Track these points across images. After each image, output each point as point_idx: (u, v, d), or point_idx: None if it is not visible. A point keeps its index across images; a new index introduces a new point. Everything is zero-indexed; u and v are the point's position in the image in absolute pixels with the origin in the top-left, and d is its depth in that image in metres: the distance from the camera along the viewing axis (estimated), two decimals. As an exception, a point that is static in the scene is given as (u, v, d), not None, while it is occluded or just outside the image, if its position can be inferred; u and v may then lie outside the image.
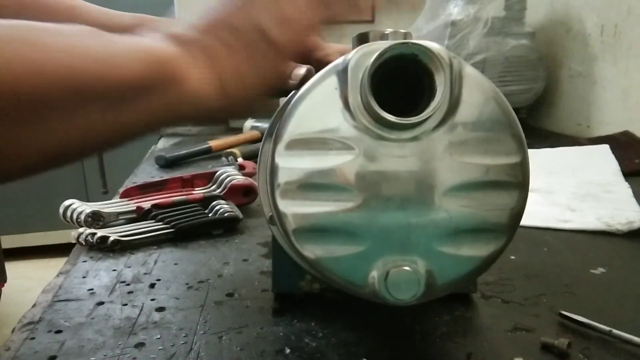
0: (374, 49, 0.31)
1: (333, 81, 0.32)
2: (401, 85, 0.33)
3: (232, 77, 0.33)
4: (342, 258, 0.32)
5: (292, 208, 0.31)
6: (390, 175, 0.31)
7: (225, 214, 0.67)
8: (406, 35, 0.34)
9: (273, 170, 0.32)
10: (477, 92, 0.32)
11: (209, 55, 0.32)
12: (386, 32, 0.35)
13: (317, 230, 0.31)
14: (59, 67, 0.26)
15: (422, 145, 0.31)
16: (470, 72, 0.32)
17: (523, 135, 0.33)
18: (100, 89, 0.28)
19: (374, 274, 0.31)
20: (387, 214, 0.31)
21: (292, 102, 0.33)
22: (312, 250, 0.32)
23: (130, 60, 0.29)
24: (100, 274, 0.54)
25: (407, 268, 0.31)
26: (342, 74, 0.32)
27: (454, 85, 0.31)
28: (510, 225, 0.32)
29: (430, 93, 0.31)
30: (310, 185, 0.31)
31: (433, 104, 0.30)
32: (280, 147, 0.31)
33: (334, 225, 0.31)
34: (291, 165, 0.31)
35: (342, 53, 0.41)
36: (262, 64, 0.35)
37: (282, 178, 0.31)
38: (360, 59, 0.31)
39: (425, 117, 0.30)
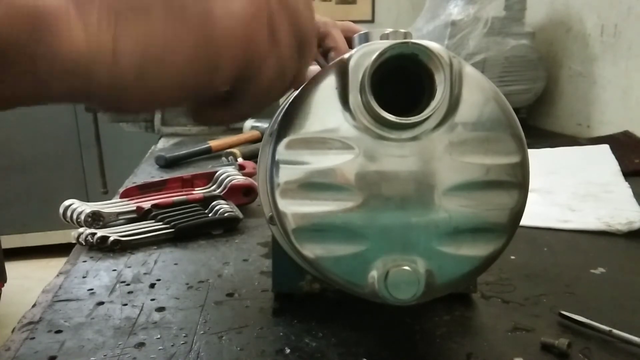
0: (374, 48, 0.31)
1: (333, 81, 0.32)
2: (401, 85, 0.33)
3: (138, 48, 0.26)
4: (341, 258, 0.32)
5: (292, 207, 0.31)
6: (390, 175, 0.31)
7: (225, 214, 0.67)
8: (406, 34, 0.34)
9: (273, 169, 0.32)
10: (477, 92, 0.32)
11: (110, 12, 0.25)
12: (386, 32, 0.35)
13: (317, 229, 0.31)
14: None
15: (422, 145, 0.31)
16: (470, 71, 0.32)
17: (523, 135, 0.33)
18: None
19: (374, 274, 0.31)
20: (387, 213, 0.31)
21: (291, 102, 0.33)
22: (311, 250, 0.32)
23: None
24: (100, 274, 0.54)
25: (406, 268, 0.31)
26: (342, 73, 0.32)
27: (453, 85, 0.31)
28: (510, 225, 0.32)
29: (430, 93, 0.31)
30: (310, 185, 0.31)
31: (433, 104, 0.30)
32: (280, 146, 0.31)
33: (334, 225, 0.31)
34: (291, 164, 0.31)
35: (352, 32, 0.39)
36: (199, 44, 0.26)
37: (282, 177, 0.31)
38: (360, 58, 0.31)
39: (425, 117, 0.30)
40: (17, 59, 0.24)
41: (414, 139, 0.31)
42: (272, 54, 0.29)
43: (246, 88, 0.30)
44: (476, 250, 0.32)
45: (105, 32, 0.25)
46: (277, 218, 0.32)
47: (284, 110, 0.34)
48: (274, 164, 0.31)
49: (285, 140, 0.31)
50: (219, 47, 0.27)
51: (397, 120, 0.30)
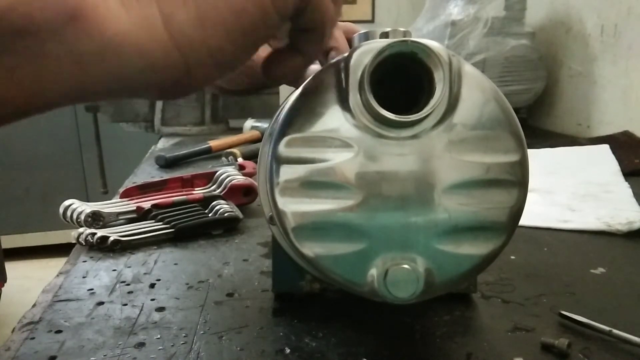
0: (373, 47, 0.31)
1: (332, 79, 0.32)
2: (401, 85, 0.33)
3: (187, 17, 0.23)
4: (341, 256, 0.32)
5: (292, 206, 0.31)
6: (390, 174, 0.31)
7: (225, 214, 0.67)
8: (405, 33, 0.34)
9: (273, 168, 0.32)
10: (477, 91, 0.32)
11: None
12: (386, 30, 0.35)
13: (317, 228, 0.31)
14: None
15: (421, 143, 0.31)
16: (469, 70, 0.32)
17: (522, 133, 0.33)
18: None
19: (373, 272, 0.31)
20: (387, 212, 0.31)
21: (291, 100, 0.33)
22: (311, 248, 0.32)
23: None
24: (100, 274, 0.54)
25: (406, 266, 0.31)
26: (342, 71, 0.32)
27: (453, 83, 0.31)
28: (510, 223, 0.32)
29: (430, 91, 0.31)
30: (310, 183, 0.31)
31: (432, 102, 0.30)
32: (280, 145, 0.31)
33: (333, 223, 0.31)
34: (291, 163, 0.31)
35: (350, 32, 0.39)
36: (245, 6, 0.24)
37: (281, 176, 0.31)
38: (360, 56, 0.31)
39: (424, 115, 0.30)
40: (54, 47, 0.22)
41: (414, 137, 0.31)
42: None
43: (307, 19, 0.29)
44: (476, 248, 0.32)
45: (146, 4, 0.23)
46: (277, 216, 0.32)
47: (283, 110, 0.34)
48: (274, 163, 0.31)
49: (285, 139, 0.31)
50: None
51: (397, 119, 0.30)
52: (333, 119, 0.31)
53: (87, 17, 0.22)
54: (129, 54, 0.23)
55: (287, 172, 0.31)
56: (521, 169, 0.32)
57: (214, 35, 0.24)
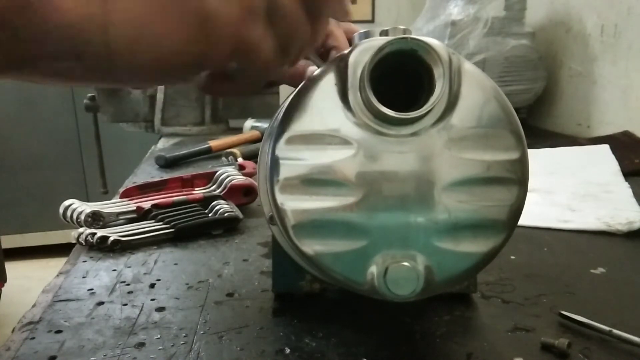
0: (373, 44, 0.31)
1: (332, 77, 0.32)
2: (401, 83, 0.33)
3: (128, 19, 0.25)
4: (341, 254, 0.32)
5: (292, 203, 0.31)
6: (390, 172, 0.31)
7: (225, 214, 0.67)
8: (405, 31, 0.34)
9: (273, 165, 0.32)
10: (476, 88, 0.32)
11: None
12: (386, 29, 0.35)
13: (316, 225, 0.31)
14: None
15: (421, 141, 0.31)
16: (469, 68, 0.32)
17: (522, 131, 0.33)
18: None
19: (373, 270, 0.31)
20: (387, 209, 0.31)
21: (291, 99, 0.33)
22: (311, 246, 0.32)
23: None
24: (100, 274, 0.54)
25: (406, 264, 0.31)
26: (342, 69, 0.32)
27: (452, 81, 0.31)
28: (510, 221, 0.32)
29: (430, 89, 0.31)
30: (310, 181, 0.31)
31: (432, 99, 0.30)
32: (280, 142, 0.31)
33: (333, 221, 0.31)
34: (291, 161, 0.31)
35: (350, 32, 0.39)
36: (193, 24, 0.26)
37: (281, 173, 0.31)
38: (360, 54, 0.31)
39: (424, 112, 0.30)
40: (2, 25, 0.23)
41: (414, 135, 0.31)
42: (268, 35, 0.29)
43: (244, 66, 0.30)
44: (476, 246, 0.32)
45: (94, 2, 0.25)
46: (277, 214, 0.32)
47: (284, 108, 0.34)
48: (274, 160, 0.31)
49: (285, 137, 0.31)
50: (212, 27, 0.27)
51: (396, 116, 0.30)
52: (333, 117, 0.31)
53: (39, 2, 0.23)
54: (67, 39, 0.25)
55: (287, 170, 0.31)
56: (521, 166, 0.32)
57: (144, 56, 0.26)
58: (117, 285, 0.51)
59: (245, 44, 0.28)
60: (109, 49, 0.25)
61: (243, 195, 0.76)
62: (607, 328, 0.40)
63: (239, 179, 0.77)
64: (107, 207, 0.69)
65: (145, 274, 0.54)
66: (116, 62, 0.26)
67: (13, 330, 0.43)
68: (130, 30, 0.25)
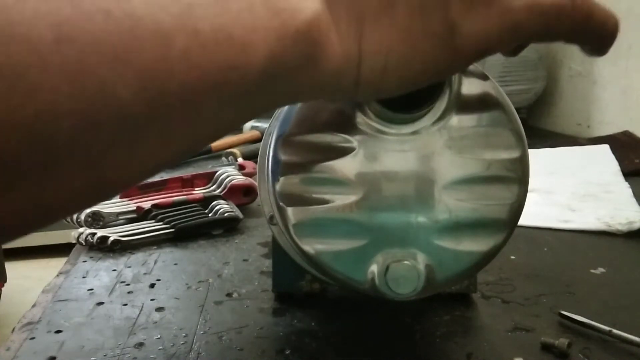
0: None
1: None
2: None
3: (383, 49, 0.23)
4: (341, 253, 0.32)
5: (292, 203, 0.31)
6: (390, 170, 0.31)
7: (225, 214, 0.67)
8: None
9: (273, 165, 0.32)
10: (477, 87, 0.32)
11: (356, 13, 0.22)
12: None
13: (317, 224, 0.31)
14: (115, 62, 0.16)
15: (421, 140, 0.31)
16: (469, 67, 0.32)
17: (522, 130, 0.33)
18: (207, 88, 0.19)
19: (374, 269, 0.31)
20: (387, 208, 0.31)
21: None
22: (311, 245, 0.32)
23: (258, 31, 0.19)
24: (100, 274, 0.54)
25: (406, 262, 0.31)
26: None
27: (453, 80, 0.31)
28: (510, 220, 0.32)
29: (430, 88, 0.31)
30: (310, 180, 0.31)
31: (432, 98, 0.30)
32: (280, 141, 0.31)
33: (334, 220, 0.31)
34: (291, 160, 0.31)
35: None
36: (435, 54, 0.24)
37: (282, 172, 0.31)
38: None
39: (424, 111, 0.30)
40: (283, 83, 0.21)
41: (414, 134, 0.31)
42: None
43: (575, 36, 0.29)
44: (476, 245, 0.32)
45: (352, 37, 0.23)
46: (277, 213, 0.32)
47: (284, 108, 0.34)
48: (274, 159, 0.31)
49: (285, 135, 0.31)
50: (460, 33, 0.24)
51: (397, 115, 0.30)
52: (333, 116, 0.31)
53: (317, 49, 0.22)
54: (329, 86, 0.24)
55: (288, 169, 0.31)
56: (521, 165, 0.32)
57: (390, 82, 0.25)
58: (117, 285, 0.51)
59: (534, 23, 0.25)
60: (357, 83, 0.24)
61: (243, 195, 0.75)
62: (607, 328, 0.40)
63: (239, 179, 0.77)
64: (107, 207, 0.69)
65: (145, 274, 0.54)
66: (359, 93, 0.25)
67: (13, 330, 0.43)
68: (381, 62, 0.23)
